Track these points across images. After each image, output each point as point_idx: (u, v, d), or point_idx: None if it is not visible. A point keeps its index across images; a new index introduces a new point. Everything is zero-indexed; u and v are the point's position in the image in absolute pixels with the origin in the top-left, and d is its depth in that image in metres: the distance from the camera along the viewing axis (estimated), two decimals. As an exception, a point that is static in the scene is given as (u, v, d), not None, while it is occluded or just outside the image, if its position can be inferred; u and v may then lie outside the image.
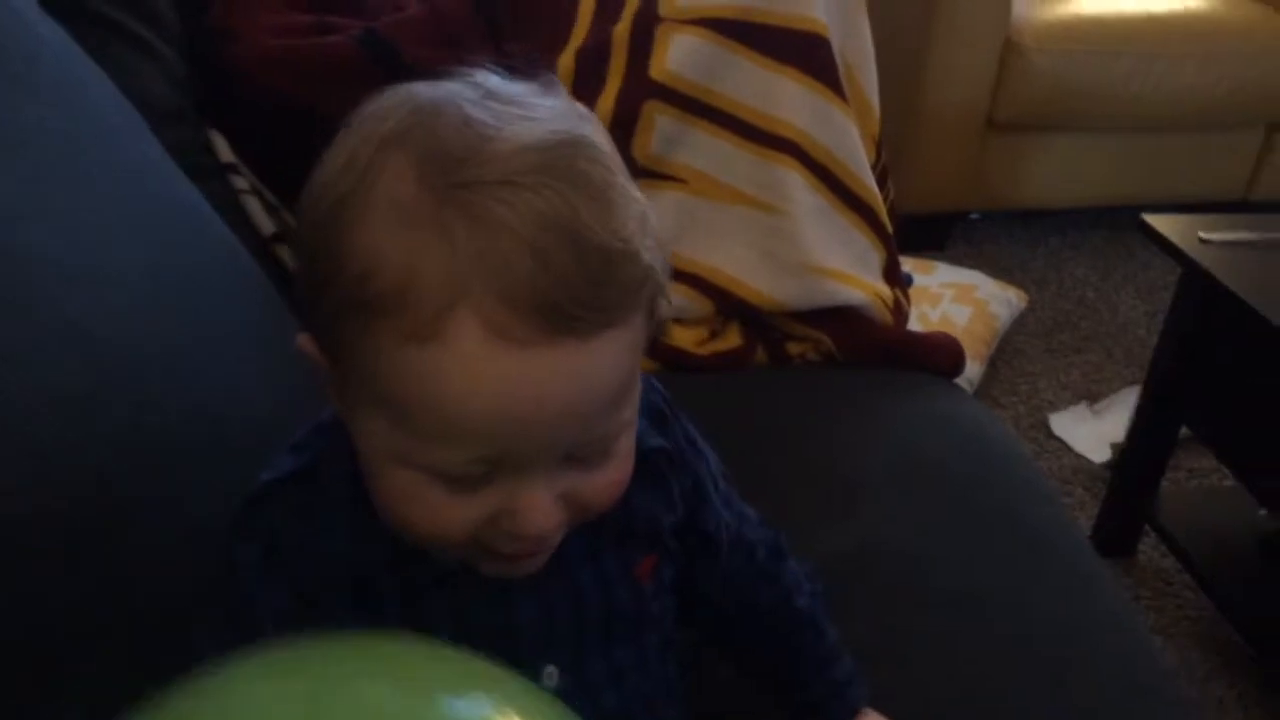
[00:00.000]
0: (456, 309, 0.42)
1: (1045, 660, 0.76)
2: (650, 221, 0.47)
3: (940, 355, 1.11)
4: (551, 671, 0.56)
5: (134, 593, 0.56)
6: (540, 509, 0.47)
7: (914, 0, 2.12)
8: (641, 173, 1.04)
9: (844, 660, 0.68)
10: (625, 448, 0.50)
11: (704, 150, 1.05)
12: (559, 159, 0.44)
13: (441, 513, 0.47)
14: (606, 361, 0.45)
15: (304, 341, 0.50)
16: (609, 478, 0.50)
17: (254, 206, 0.97)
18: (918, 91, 2.18)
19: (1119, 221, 2.37)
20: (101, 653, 0.53)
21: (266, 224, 0.98)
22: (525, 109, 0.46)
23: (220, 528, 0.54)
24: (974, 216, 2.52)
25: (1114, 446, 1.75)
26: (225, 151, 0.98)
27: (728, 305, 1.08)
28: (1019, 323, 2.10)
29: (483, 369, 0.42)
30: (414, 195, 0.43)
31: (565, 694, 0.51)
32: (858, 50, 1.11)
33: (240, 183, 0.97)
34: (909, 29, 2.14)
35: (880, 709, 0.67)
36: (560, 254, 0.42)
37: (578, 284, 0.42)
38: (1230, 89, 2.27)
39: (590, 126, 0.47)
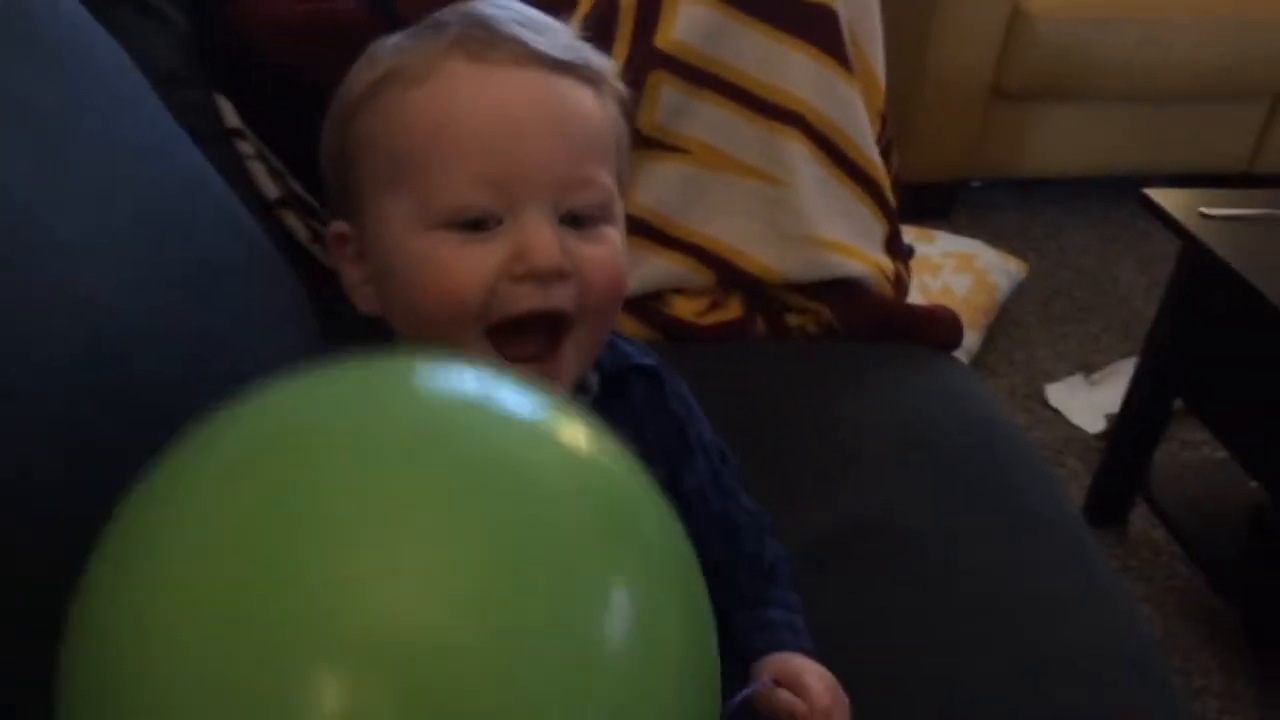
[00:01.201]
0: (448, 55, 0.53)
1: (1029, 633, 0.78)
2: (615, 70, 0.59)
3: (938, 328, 1.12)
4: None
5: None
6: (543, 238, 0.53)
7: (922, -34, 2.11)
8: (646, 142, 1.04)
9: (788, 613, 0.69)
10: (615, 239, 0.57)
11: (709, 121, 1.05)
12: (520, 4, 0.58)
13: (456, 267, 0.53)
14: (576, 100, 0.55)
15: (334, 226, 0.59)
16: (604, 254, 0.56)
17: (259, 171, 0.98)
18: (924, 59, 2.17)
19: (1122, 191, 2.35)
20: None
21: (271, 189, 0.99)
22: None
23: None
24: (977, 184, 2.52)
25: (1109, 417, 1.76)
26: (231, 116, 0.97)
27: (729, 276, 1.08)
28: (1018, 292, 2.11)
29: (474, 81, 0.53)
30: (405, 34, 0.56)
31: None
32: (865, 23, 1.10)
33: (245, 148, 0.97)
34: (916, -4, 2.13)
35: (863, 679, 0.69)
36: (533, 30, 0.54)
37: (546, 41, 0.54)
38: (1236, 61, 2.26)
39: None
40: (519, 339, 0.55)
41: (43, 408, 0.53)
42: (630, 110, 0.61)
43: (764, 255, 1.07)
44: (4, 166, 0.56)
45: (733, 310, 1.10)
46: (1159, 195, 1.43)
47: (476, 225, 0.52)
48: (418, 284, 0.53)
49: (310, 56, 0.98)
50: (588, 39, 1.02)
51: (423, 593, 0.34)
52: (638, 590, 0.38)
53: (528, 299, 0.53)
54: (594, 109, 0.56)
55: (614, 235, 0.57)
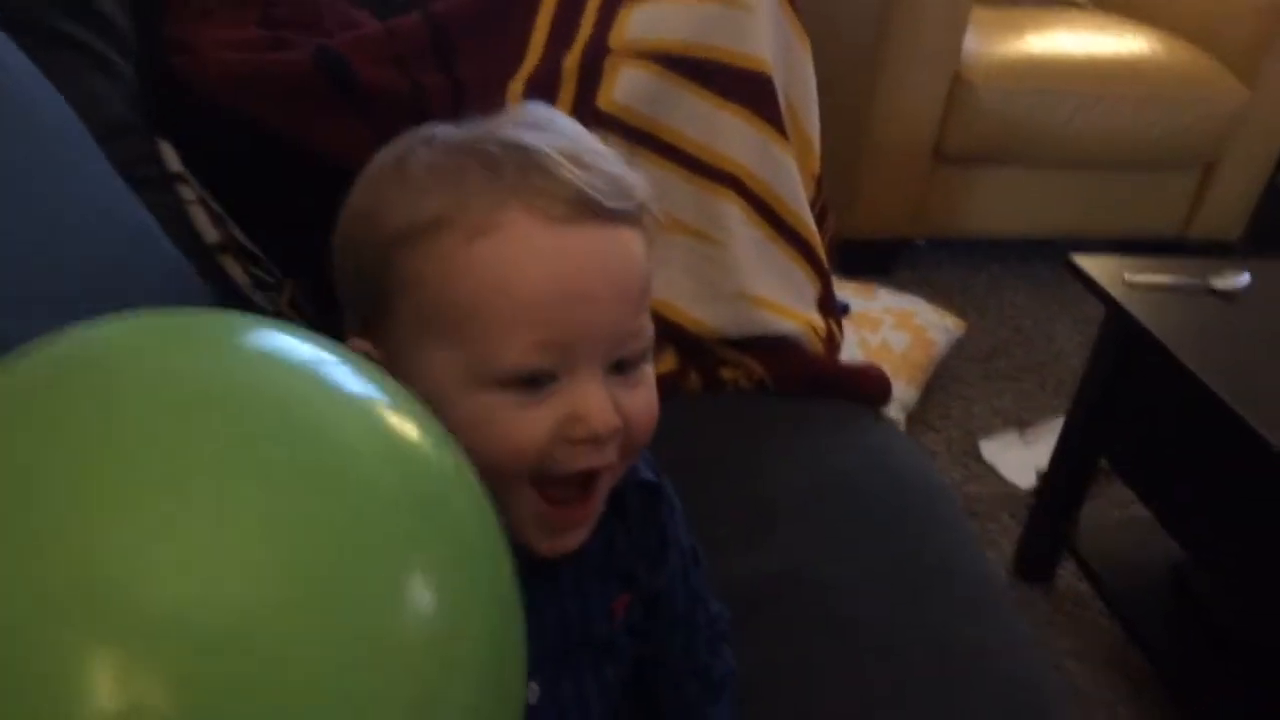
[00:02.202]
0: (507, 205, 0.51)
1: (942, 685, 0.80)
2: (641, 180, 0.57)
3: (868, 386, 1.15)
4: (534, 688, 0.60)
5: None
6: (602, 405, 0.53)
7: (866, 34, 2.18)
8: (585, 199, 1.07)
9: None
10: (651, 378, 0.57)
11: (647, 179, 1.08)
12: (551, 118, 0.57)
13: (514, 430, 0.52)
14: (629, 252, 0.54)
15: (353, 344, 0.56)
16: (644, 399, 0.56)
17: (200, 217, 0.99)
18: (868, 122, 2.23)
19: (1060, 253, 2.41)
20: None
21: (211, 234, 1.00)
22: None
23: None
24: (920, 243, 2.58)
25: (1040, 474, 1.80)
26: (174, 161, 0.99)
27: (664, 330, 1.11)
28: (957, 348, 2.15)
29: (538, 244, 0.51)
30: (445, 154, 0.54)
31: (541, 710, 0.59)
32: (800, 89, 1.14)
33: (187, 193, 0.99)
34: (861, 62, 2.20)
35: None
36: (582, 167, 0.52)
37: (599, 184, 0.52)
38: (1168, 132, 2.35)
39: None
40: (560, 480, 0.55)
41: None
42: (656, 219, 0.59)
43: (698, 311, 1.10)
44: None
45: (667, 364, 1.12)
46: (1085, 261, 1.49)
47: (531, 382, 0.52)
48: (470, 440, 0.52)
49: (258, 107, 1.01)
50: (531, 98, 1.07)
51: (204, 569, 0.31)
52: (443, 585, 0.36)
53: (583, 459, 0.54)
54: (641, 254, 0.55)
55: (650, 372, 0.57)
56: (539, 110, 0.58)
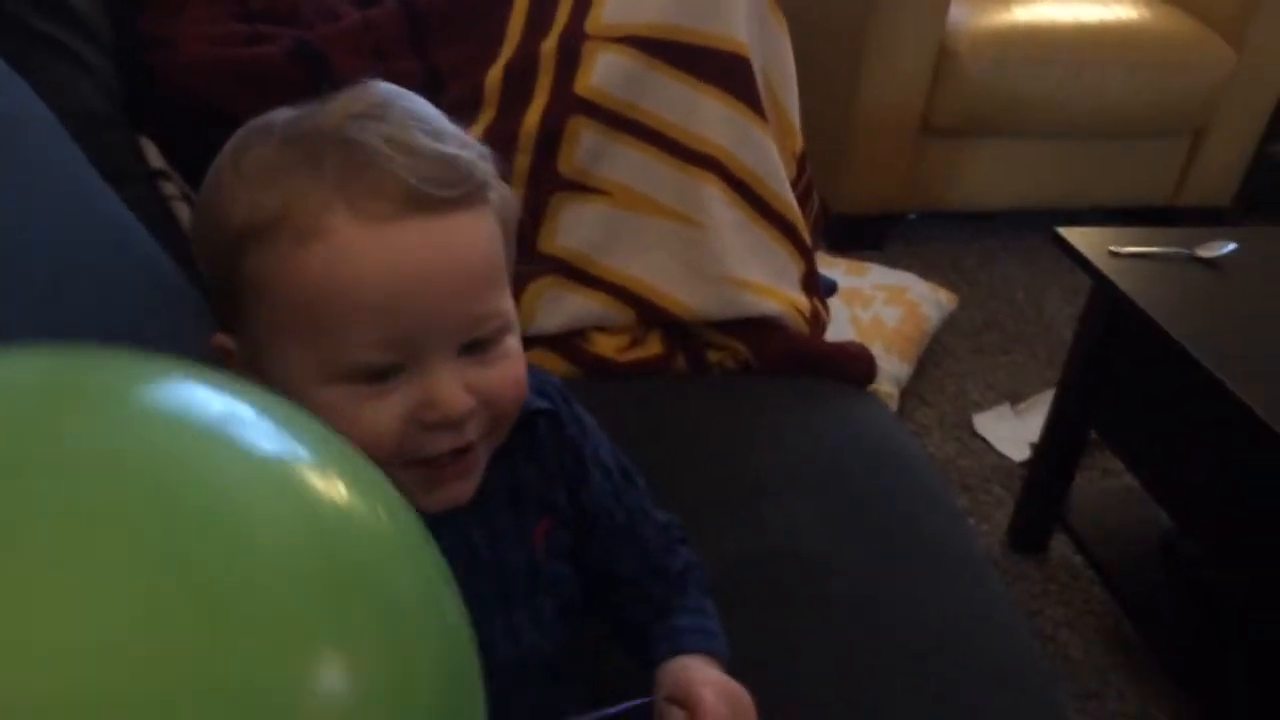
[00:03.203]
0: (332, 207, 0.50)
1: (926, 662, 0.81)
2: (485, 154, 0.56)
3: (853, 365, 1.16)
4: None
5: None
6: (451, 389, 0.53)
7: (851, 7, 2.17)
8: (567, 185, 1.08)
9: (697, 618, 0.69)
10: (515, 348, 0.57)
11: (627, 164, 1.08)
12: (387, 102, 0.55)
13: (367, 421, 0.53)
14: (466, 239, 0.54)
15: (216, 339, 0.57)
16: (505, 374, 0.56)
17: (183, 212, 0.99)
18: (855, 96, 2.23)
19: (1050, 224, 2.41)
20: None
21: (196, 229, 1.00)
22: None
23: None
24: (911, 217, 2.58)
25: (1033, 446, 1.81)
26: (155, 157, 0.99)
27: (649, 314, 1.11)
28: (949, 322, 2.16)
29: (364, 245, 0.51)
30: (275, 149, 0.53)
31: None
32: (779, 70, 1.15)
33: (169, 188, 0.99)
34: (846, 36, 2.19)
35: (765, 707, 0.71)
36: (411, 155, 0.51)
37: (430, 173, 0.51)
38: (1157, 98, 2.35)
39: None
40: (429, 462, 0.56)
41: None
42: (511, 196, 0.59)
43: (681, 294, 1.10)
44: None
45: (653, 347, 1.13)
46: (1070, 233, 1.49)
47: (379, 375, 0.53)
48: None
49: (236, 101, 1.00)
50: (509, 86, 1.07)
51: (51, 656, 0.27)
52: (372, 678, 0.32)
53: (441, 442, 0.54)
54: (483, 237, 0.55)
55: (512, 343, 0.57)
56: (378, 91, 0.56)
